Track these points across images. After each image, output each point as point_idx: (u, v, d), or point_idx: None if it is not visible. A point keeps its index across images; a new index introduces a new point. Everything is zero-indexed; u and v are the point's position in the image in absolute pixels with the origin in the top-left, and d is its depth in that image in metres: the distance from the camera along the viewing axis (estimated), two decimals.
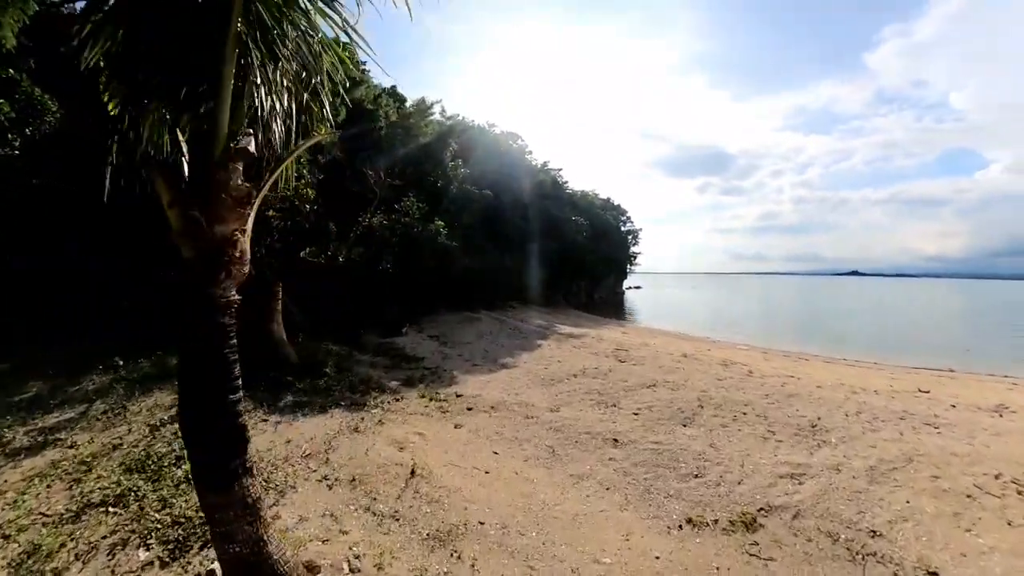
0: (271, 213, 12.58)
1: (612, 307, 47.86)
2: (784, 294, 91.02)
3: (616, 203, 64.06)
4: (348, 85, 3.99)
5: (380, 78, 27.35)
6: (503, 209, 30.66)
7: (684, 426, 8.05)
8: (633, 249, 68.15)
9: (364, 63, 24.92)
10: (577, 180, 59.70)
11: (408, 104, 29.18)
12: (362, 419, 7.72)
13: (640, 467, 6.42)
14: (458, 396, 9.35)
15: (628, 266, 68.78)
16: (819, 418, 9.12)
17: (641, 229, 69.09)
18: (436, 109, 31.77)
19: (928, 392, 13.05)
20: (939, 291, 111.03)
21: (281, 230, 12.65)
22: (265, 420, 8.02)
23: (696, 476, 6.35)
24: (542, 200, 38.40)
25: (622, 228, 64.46)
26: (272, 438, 7.21)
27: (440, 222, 15.42)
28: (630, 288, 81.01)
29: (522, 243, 32.78)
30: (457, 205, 22.45)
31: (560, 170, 46.20)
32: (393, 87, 28.10)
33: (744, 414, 8.84)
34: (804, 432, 8.37)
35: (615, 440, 7.19)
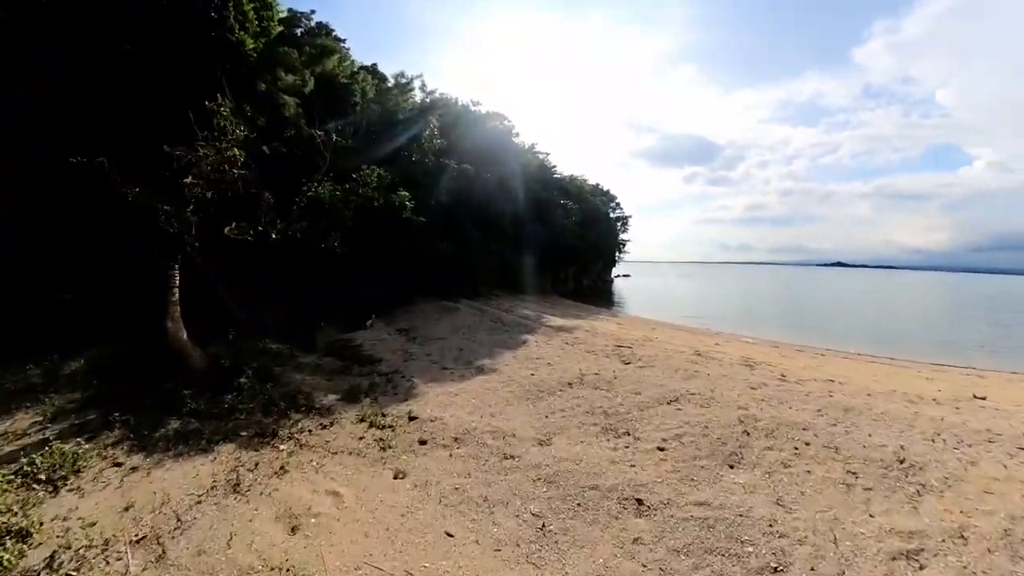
0: (189, 180, 9.90)
1: (601, 296, 45.57)
2: (772, 283, 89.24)
3: (606, 189, 61.52)
4: None
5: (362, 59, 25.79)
6: (488, 190, 27.88)
7: (731, 467, 5.59)
8: (622, 236, 65.73)
9: (344, 40, 22.78)
10: (564, 167, 56.73)
11: (389, 81, 26.81)
12: (256, 464, 5.15)
13: (685, 557, 3.93)
14: (411, 419, 6.74)
15: (617, 253, 66.32)
16: (902, 447, 6.75)
17: (631, 216, 66.67)
18: (416, 84, 29.29)
19: (985, 399, 10.90)
20: (925, 283, 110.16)
21: (199, 199, 9.95)
22: (119, 464, 5.42)
23: (776, 570, 3.90)
24: (530, 183, 35.69)
25: (611, 215, 61.95)
26: (107, 500, 4.62)
27: (404, 193, 12.71)
28: (618, 276, 78.58)
29: (508, 227, 30.05)
30: (432, 180, 19.67)
31: (548, 154, 43.39)
32: (374, 65, 26.09)
33: (807, 444, 6.41)
34: (893, 471, 5.99)
35: (639, 501, 4.68)
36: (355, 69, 23.24)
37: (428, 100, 30.04)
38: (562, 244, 38.72)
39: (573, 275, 48.75)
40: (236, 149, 10.19)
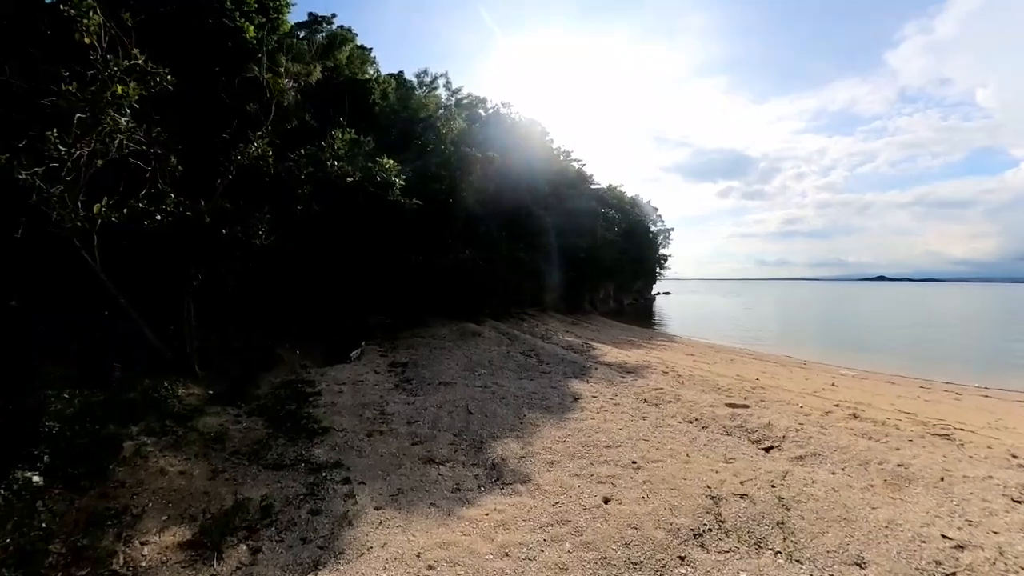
0: (53, 132, 6.15)
1: (645, 316, 40.67)
2: (820, 300, 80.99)
3: (645, 200, 56.85)
4: None
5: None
6: (520, 196, 23.86)
7: None
8: (663, 251, 60.60)
9: (370, 49, 20.56)
10: (599, 179, 50.90)
11: (413, 83, 24.10)
12: None
13: None
14: None
15: (657, 269, 61.07)
16: None
17: (673, 229, 61.60)
18: (441, 83, 26.16)
19: None
20: (983, 297, 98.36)
21: (58, 159, 6.19)
22: None
23: None
24: (566, 190, 31.53)
25: (652, 228, 57.09)
26: None
27: (390, 162, 8.62)
28: (659, 294, 73.04)
29: (542, 237, 25.81)
30: (451, 171, 15.66)
31: (584, 164, 39.29)
32: (400, 72, 24.15)
33: None
34: None
35: None
36: (378, 75, 20.43)
37: (454, 100, 26.71)
38: (601, 258, 34.30)
39: (613, 293, 43.98)
40: (122, 86, 6.40)
